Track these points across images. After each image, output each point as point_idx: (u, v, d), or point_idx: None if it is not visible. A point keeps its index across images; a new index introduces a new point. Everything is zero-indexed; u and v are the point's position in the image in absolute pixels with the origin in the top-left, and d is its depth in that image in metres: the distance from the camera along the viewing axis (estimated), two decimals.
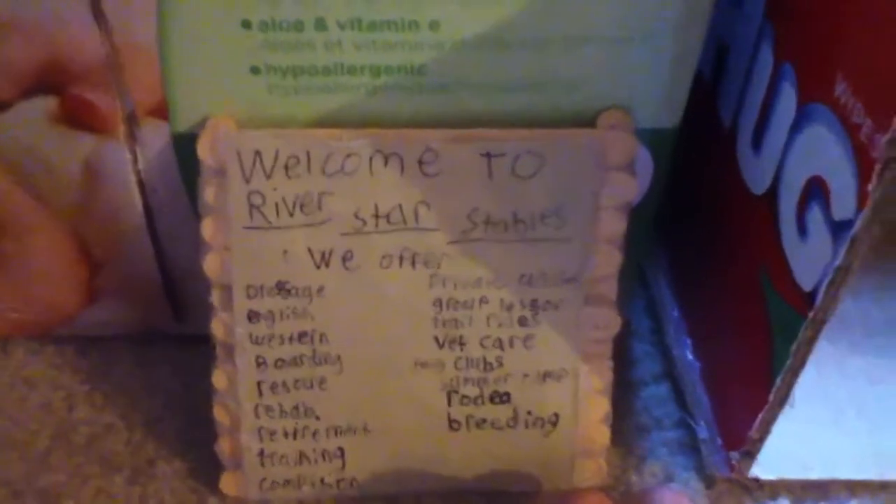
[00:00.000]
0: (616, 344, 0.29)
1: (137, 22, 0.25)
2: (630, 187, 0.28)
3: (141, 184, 0.29)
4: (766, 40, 0.27)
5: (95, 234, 0.31)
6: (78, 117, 0.27)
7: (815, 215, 0.23)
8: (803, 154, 0.24)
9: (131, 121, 0.27)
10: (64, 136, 0.27)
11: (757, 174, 0.27)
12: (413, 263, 0.28)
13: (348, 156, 0.27)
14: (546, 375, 0.29)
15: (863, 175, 0.20)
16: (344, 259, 0.28)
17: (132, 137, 0.28)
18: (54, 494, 0.31)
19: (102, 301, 0.33)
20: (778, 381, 0.25)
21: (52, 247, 0.31)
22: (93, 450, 0.32)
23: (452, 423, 0.29)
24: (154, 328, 0.34)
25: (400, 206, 0.28)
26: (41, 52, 0.25)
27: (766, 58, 0.27)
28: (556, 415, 0.29)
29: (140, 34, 0.25)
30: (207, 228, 0.28)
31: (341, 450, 0.30)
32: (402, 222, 0.28)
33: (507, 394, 0.29)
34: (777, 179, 0.26)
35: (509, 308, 0.28)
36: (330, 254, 0.28)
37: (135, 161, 0.29)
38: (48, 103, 0.27)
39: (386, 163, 0.27)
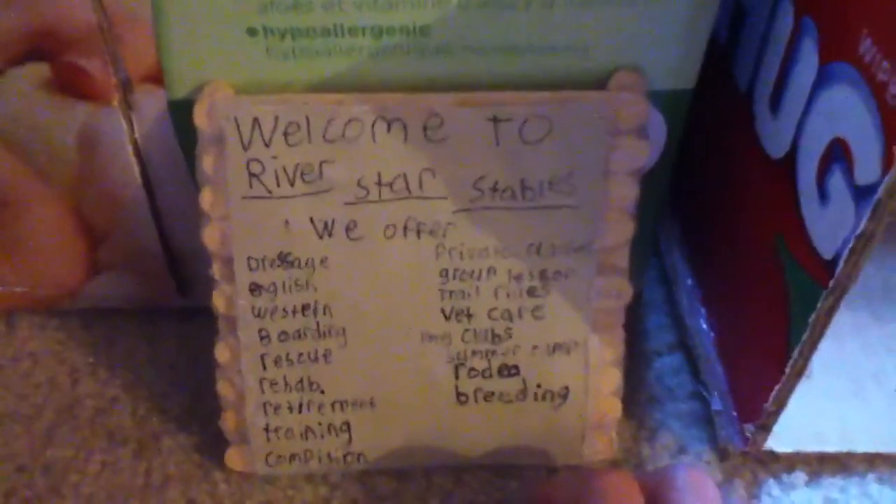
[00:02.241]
0: (628, 314, 0.28)
1: None
2: (642, 152, 0.27)
3: (138, 153, 0.28)
4: None
5: (94, 205, 0.30)
6: (71, 85, 0.26)
7: (836, 180, 0.22)
8: (825, 115, 0.23)
9: (126, 88, 0.27)
10: (58, 104, 0.27)
11: (775, 138, 0.26)
12: (418, 233, 0.27)
13: (350, 121, 0.26)
14: (556, 347, 0.28)
15: (889, 137, 0.19)
16: (347, 229, 0.27)
17: (127, 105, 0.27)
18: (59, 469, 0.30)
19: (105, 274, 0.33)
20: (795, 353, 0.24)
21: (51, 219, 0.30)
22: (98, 424, 0.32)
23: (460, 397, 0.29)
24: (157, 301, 0.34)
25: (404, 173, 0.27)
26: (31, 19, 0.24)
27: (786, 15, 0.25)
28: (567, 387, 0.28)
29: (132, 2, 0.24)
30: (206, 199, 0.27)
31: (347, 424, 0.29)
32: (406, 190, 0.27)
33: (516, 366, 0.28)
34: (796, 143, 0.24)
35: (518, 278, 0.27)
36: (333, 224, 0.27)
37: (131, 129, 0.28)
38: (40, 70, 0.26)
39: (389, 129, 0.26)
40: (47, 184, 0.29)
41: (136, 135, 0.28)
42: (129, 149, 0.28)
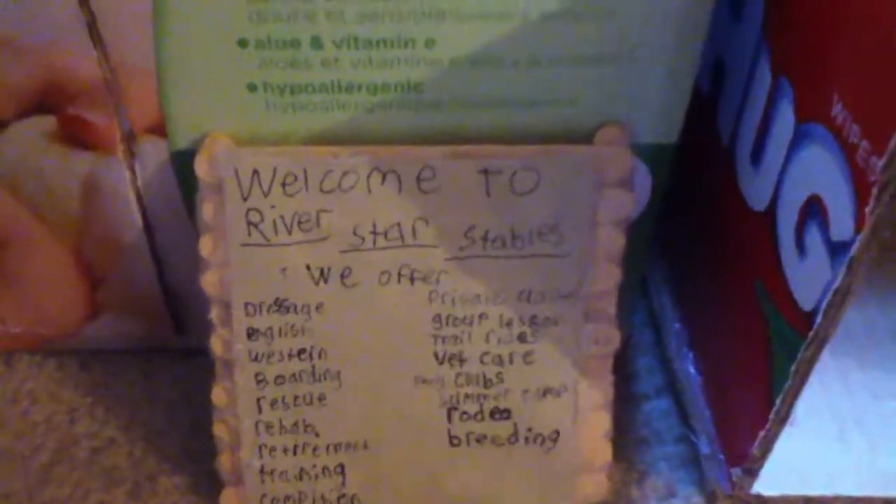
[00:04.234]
0: (617, 356, 0.29)
1: (134, 42, 0.25)
2: (628, 203, 0.28)
3: (140, 200, 0.29)
4: (764, 56, 0.27)
5: (95, 249, 0.31)
6: (76, 136, 0.27)
7: (813, 235, 0.23)
8: (802, 173, 0.24)
9: (129, 139, 0.27)
10: (62, 154, 0.28)
11: (756, 190, 0.27)
12: (412, 280, 0.28)
13: (346, 173, 0.27)
14: (546, 391, 0.29)
15: (860, 197, 0.20)
16: (342, 276, 0.28)
17: (131, 155, 0.28)
18: None
19: (104, 315, 0.33)
20: (778, 400, 0.25)
21: (52, 262, 0.31)
22: (95, 464, 0.32)
23: (453, 440, 0.29)
24: (156, 342, 0.34)
25: (398, 223, 0.28)
26: (39, 73, 0.25)
27: (764, 74, 0.26)
28: (557, 431, 0.29)
29: (137, 54, 0.25)
30: (206, 245, 0.28)
31: (342, 466, 0.30)
32: (400, 239, 0.28)
33: (508, 410, 0.29)
34: (776, 197, 0.25)
35: (509, 324, 0.28)
36: (328, 271, 0.28)
37: (134, 178, 0.29)
38: (46, 122, 0.27)
39: (384, 180, 0.27)
40: (49, 227, 0.30)
41: (139, 182, 0.29)
42: (132, 196, 0.29)
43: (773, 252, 0.25)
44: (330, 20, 0.24)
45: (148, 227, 0.30)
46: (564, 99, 0.27)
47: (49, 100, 0.26)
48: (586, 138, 0.27)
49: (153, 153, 0.28)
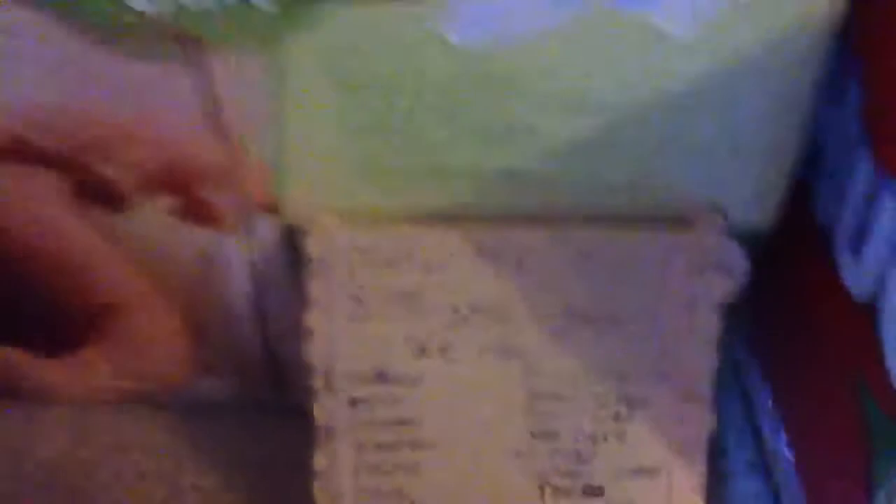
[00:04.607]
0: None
1: (253, 130, 0.27)
2: (724, 286, 0.28)
3: (252, 273, 0.31)
4: (864, 143, 0.27)
5: (205, 315, 0.33)
6: (198, 216, 0.29)
7: None
8: None
9: (246, 218, 0.29)
10: (184, 230, 0.29)
11: (856, 280, 0.27)
12: (508, 357, 0.29)
13: (447, 252, 0.28)
14: (639, 471, 0.29)
15: None
16: (442, 350, 0.29)
17: (246, 232, 0.30)
18: None
19: (207, 374, 0.35)
20: (879, 499, 0.24)
21: (164, 325, 0.33)
22: None
23: None
24: (258, 400, 0.36)
25: (496, 300, 0.29)
26: (168, 157, 0.27)
27: (864, 161, 0.27)
28: None
29: (256, 141, 0.27)
30: (312, 318, 0.29)
31: None
32: (497, 316, 0.29)
33: (601, 487, 0.29)
34: (878, 288, 0.25)
35: (603, 402, 0.29)
36: (428, 345, 0.29)
37: (247, 253, 0.30)
38: (172, 202, 0.29)
39: (484, 259, 0.28)
40: (165, 293, 0.32)
41: (253, 256, 0.30)
42: (246, 269, 0.31)
43: (875, 344, 0.25)
44: (436, 111, 0.26)
45: (256, 297, 0.32)
46: (664, 184, 0.27)
47: (175, 181, 0.28)
48: (685, 221, 0.28)
49: (264, 231, 0.30)
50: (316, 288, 0.29)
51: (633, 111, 0.26)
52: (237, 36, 0.24)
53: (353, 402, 0.30)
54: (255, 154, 0.27)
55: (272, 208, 0.29)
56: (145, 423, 0.37)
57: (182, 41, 0.24)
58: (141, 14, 0.23)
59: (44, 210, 0.29)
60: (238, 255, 0.30)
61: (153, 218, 0.29)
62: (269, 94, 0.25)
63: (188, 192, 0.28)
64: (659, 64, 0.25)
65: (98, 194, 0.29)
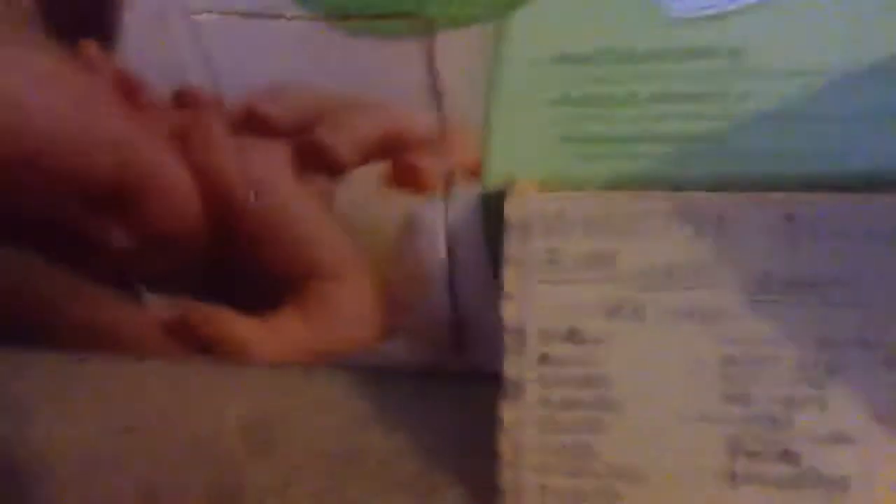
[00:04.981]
0: None
1: (467, 102, 0.28)
2: None
3: (449, 237, 0.33)
4: None
5: (400, 279, 0.35)
6: (406, 180, 0.31)
7: None
8: None
9: (448, 182, 0.31)
10: (390, 195, 0.31)
11: None
12: (703, 320, 0.29)
13: (644, 216, 0.29)
14: (838, 438, 0.29)
15: None
16: (634, 312, 0.30)
17: (446, 198, 0.31)
18: None
19: (396, 337, 0.37)
20: None
21: (360, 290, 0.35)
22: (383, 473, 0.36)
23: (734, 479, 0.30)
24: (438, 363, 0.38)
25: (693, 265, 0.29)
26: (381, 126, 0.29)
27: None
28: (847, 478, 0.29)
29: (468, 111, 0.29)
30: (508, 279, 0.31)
31: (618, 495, 0.31)
32: (694, 280, 0.29)
33: (796, 453, 0.29)
34: None
35: (801, 368, 0.29)
36: (620, 307, 0.30)
37: (446, 219, 0.32)
38: (381, 168, 0.31)
39: (682, 223, 0.29)
40: (367, 258, 0.34)
41: (448, 221, 0.32)
42: (442, 234, 0.32)
43: None
44: (647, 80, 0.26)
45: (451, 262, 0.33)
46: (868, 151, 0.27)
47: (387, 149, 0.30)
48: (892, 187, 0.27)
49: (462, 196, 0.31)
50: (512, 249, 0.30)
51: (848, 77, 0.26)
52: (462, 14, 0.26)
53: (544, 359, 0.31)
54: (464, 121, 0.29)
55: (475, 173, 0.31)
56: (332, 384, 0.40)
57: (410, 18, 0.26)
58: None
59: (268, 176, 0.32)
60: (438, 220, 0.32)
61: (363, 184, 0.31)
62: (483, 65, 0.27)
63: (400, 158, 0.30)
64: (877, 28, 0.25)
65: (317, 161, 0.31)
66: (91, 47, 0.29)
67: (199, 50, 0.29)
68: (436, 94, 0.28)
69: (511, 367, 0.31)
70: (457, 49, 0.26)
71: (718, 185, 0.28)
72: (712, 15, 0.24)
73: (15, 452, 0.38)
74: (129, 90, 0.31)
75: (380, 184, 0.31)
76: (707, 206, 0.28)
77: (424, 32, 0.26)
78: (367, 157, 0.30)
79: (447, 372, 0.38)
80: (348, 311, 0.36)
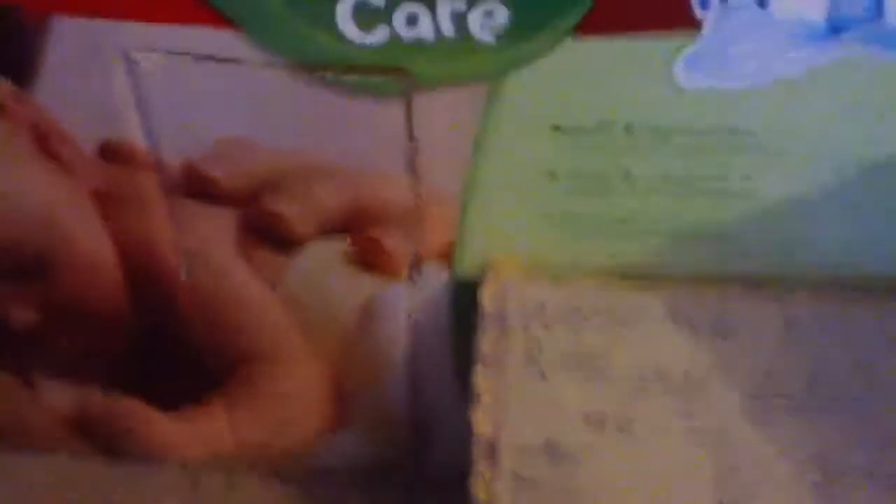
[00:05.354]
0: None
1: (446, 173, 0.25)
2: None
3: (412, 327, 0.28)
4: None
5: (353, 368, 0.30)
6: (368, 259, 0.27)
7: None
8: None
9: (415, 265, 0.27)
10: (349, 275, 0.27)
11: None
12: (696, 432, 0.26)
13: (635, 311, 0.26)
14: None
15: None
16: (620, 422, 0.26)
17: (412, 281, 0.27)
18: None
19: (344, 431, 0.32)
20: None
21: (307, 377, 0.31)
22: None
23: None
24: (389, 464, 0.33)
25: (687, 367, 0.26)
26: (348, 197, 0.26)
27: None
28: None
29: (446, 183, 0.25)
30: (480, 377, 0.27)
31: None
32: (687, 385, 0.26)
33: None
34: None
35: (800, 484, 0.25)
36: (605, 414, 0.26)
37: (411, 305, 0.28)
38: (339, 244, 0.27)
39: (676, 320, 0.25)
40: (315, 343, 0.30)
41: (415, 309, 0.28)
42: (404, 322, 0.28)
43: None
44: (646, 157, 0.24)
45: (413, 354, 0.29)
46: (883, 250, 0.25)
47: (350, 223, 0.26)
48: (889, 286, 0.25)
49: (431, 281, 0.28)
50: (487, 343, 0.26)
51: (861, 166, 0.24)
52: (451, 72, 0.22)
53: (518, 480, 0.27)
54: (439, 196, 0.25)
55: (445, 256, 0.27)
56: (261, 493, 0.34)
57: (392, 75, 0.23)
58: (354, 47, 0.22)
59: (206, 248, 0.27)
60: (401, 306, 0.28)
61: (319, 261, 0.27)
62: (470, 133, 0.24)
63: (364, 234, 0.26)
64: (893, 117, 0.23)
65: (268, 232, 0.27)
66: (3, 89, 0.25)
67: (136, 96, 0.24)
68: (415, 162, 0.24)
69: (479, 486, 0.27)
70: (439, 111, 0.23)
71: (712, 277, 0.25)
72: (723, 91, 0.22)
73: None
74: (44, 140, 0.26)
75: (338, 260, 0.27)
76: (705, 305, 0.25)
77: (403, 91, 0.23)
78: (326, 230, 0.26)
79: (399, 475, 0.33)
80: (288, 398, 0.31)
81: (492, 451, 0.27)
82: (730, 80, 0.22)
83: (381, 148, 0.24)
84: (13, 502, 0.33)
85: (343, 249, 0.27)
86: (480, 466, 0.27)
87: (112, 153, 0.26)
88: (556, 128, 0.23)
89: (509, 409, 0.26)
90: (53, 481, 0.34)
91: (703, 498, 0.26)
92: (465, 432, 0.29)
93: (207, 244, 0.27)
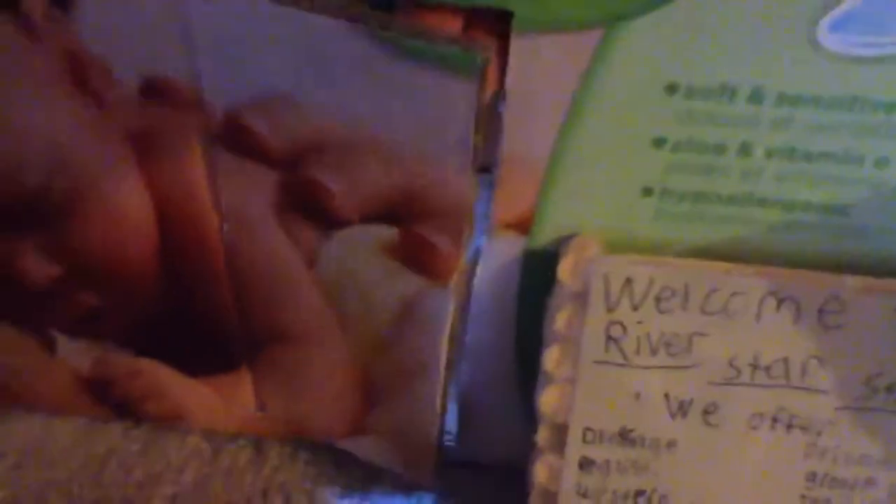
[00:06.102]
0: None
1: (533, 135, 0.22)
2: None
3: (453, 335, 0.26)
4: None
5: (386, 371, 0.27)
6: (414, 256, 0.24)
7: None
8: None
9: (465, 268, 0.24)
10: (392, 269, 0.25)
11: None
12: (788, 427, 0.24)
13: (734, 294, 0.23)
14: None
15: None
16: (705, 412, 0.24)
17: (461, 287, 0.25)
18: None
19: (366, 435, 0.30)
20: None
21: (338, 371, 0.28)
22: None
23: None
24: (410, 475, 0.30)
25: (786, 358, 0.24)
26: (402, 182, 0.23)
27: None
28: None
29: (531, 148, 0.22)
30: (552, 357, 0.24)
31: None
32: (784, 378, 0.24)
33: None
34: None
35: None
36: (690, 404, 0.24)
37: (456, 311, 0.25)
38: (387, 233, 0.24)
39: (779, 307, 0.23)
40: (349, 336, 0.27)
41: (459, 306, 0.25)
42: (447, 330, 0.25)
43: None
44: (772, 128, 0.21)
45: (448, 364, 0.26)
46: None
47: (399, 212, 0.23)
48: None
49: (500, 252, 0.25)
50: (562, 322, 0.24)
51: None
52: (558, 16, 0.20)
53: (585, 464, 0.25)
54: (525, 160, 0.22)
55: (520, 227, 0.24)
56: (288, 463, 0.32)
57: (470, 46, 0.20)
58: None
59: (245, 209, 0.24)
60: (444, 312, 0.25)
61: (360, 246, 0.24)
62: (568, 91, 0.21)
63: (413, 228, 0.23)
64: None
65: (307, 204, 0.24)
66: (37, 10, 0.22)
67: (187, 31, 0.21)
68: (491, 133, 0.21)
69: (542, 471, 0.25)
70: (537, 66, 0.20)
71: (823, 265, 0.23)
72: (872, 59, 0.19)
73: None
74: (79, 71, 0.23)
75: (381, 251, 0.24)
76: (810, 291, 0.23)
77: (480, 64, 0.20)
78: (369, 214, 0.23)
79: (416, 485, 0.31)
80: (317, 388, 0.28)
81: (558, 433, 0.25)
82: (883, 46, 0.19)
83: (447, 131, 0.21)
84: (30, 465, 0.31)
85: (388, 240, 0.24)
86: (544, 449, 0.25)
87: (153, 91, 0.23)
88: (671, 87, 0.21)
89: (582, 391, 0.24)
90: (70, 445, 0.32)
91: (791, 496, 0.24)
92: (516, 415, 0.27)
93: (246, 205, 0.24)
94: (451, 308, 0.25)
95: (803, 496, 0.24)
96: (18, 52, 0.23)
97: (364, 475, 0.31)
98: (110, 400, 0.31)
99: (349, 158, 0.23)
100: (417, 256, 0.24)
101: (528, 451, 0.26)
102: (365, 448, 0.30)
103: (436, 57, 0.20)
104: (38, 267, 0.27)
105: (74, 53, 0.23)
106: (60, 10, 0.22)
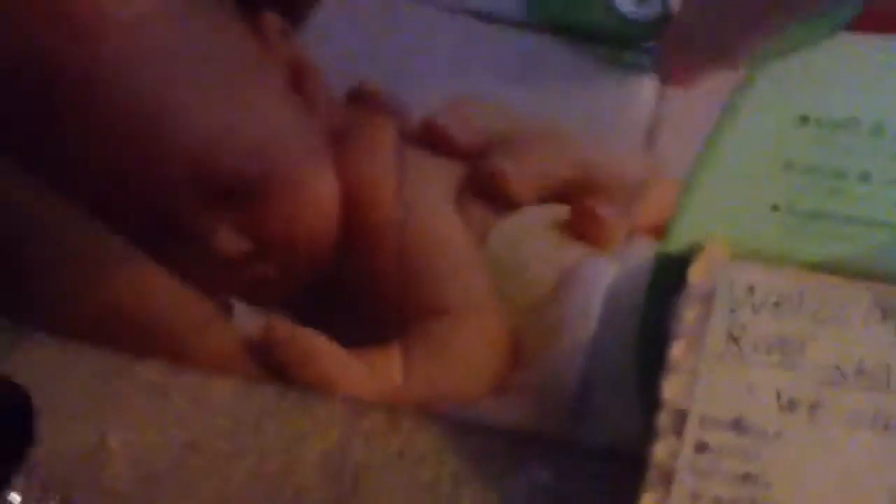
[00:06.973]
0: None
1: (679, 150, 0.26)
2: None
3: (607, 299, 0.29)
4: None
5: (534, 334, 0.31)
6: (582, 228, 0.28)
7: None
8: None
9: (627, 240, 0.28)
10: (555, 244, 0.28)
11: None
12: (886, 429, 0.27)
13: (843, 304, 0.27)
14: None
15: None
16: (811, 408, 0.27)
17: (620, 256, 0.28)
18: None
19: (506, 394, 0.34)
20: None
21: (486, 337, 0.32)
22: None
23: None
24: (546, 432, 0.34)
25: (888, 365, 0.27)
26: (575, 164, 0.27)
27: None
28: None
29: (675, 161, 0.26)
30: (678, 350, 0.28)
31: None
32: (885, 384, 0.27)
33: None
34: None
35: None
36: (797, 400, 0.27)
37: (608, 277, 0.29)
38: (556, 212, 0.28)
39: (884, 317, 0.26)
40: (504, 303, 0.31)
41: (616, 281, 0.29)
42: (600, 296, 0.29)
43: None
44: (890, 158, 0.24)
45: (602, 327, 0.30)
46: None
47: (572, 193, 0.27)
48: None
49: (635, 254, 0.29)
50: (689, 318, 0.28)
51: None
52: None
53: (700, 448, 0.28)
54: (668, 172, 0.26)
55: (656, 232, 0.28)
56: (422, 433, 0.36)
57: (651, 50, 0.24)
58: (625, 19, 0.23)
59: (426, 199, 0.29)
60: (603, 279, 0.29)
61: (531, 224, 0.28)
62: (713, 114, 0.25)
63: (582, 203, 0.27)
64: None
65: (486, 189, 0.28)
66: (274, 24, 0.27)
67: (397, 45, 0.26)
68: (653, 138, 0.25)
69: (662, 451, 0.28)
70: (691, 91, 0.24)
71: None
72: None
73: (61, 458, 0.33)
74: (298, 76, 0.28)
75: (547, 226, 0.28)
76: None
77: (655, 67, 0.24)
78: (545, 197, 0.27)
79: (549, 441, 0.35)
80: (465, 354, 0.32)
81: (679, 418, 0.28)
82: None
83: (622, 123, 0.25)
84: (189, 418, 0.36)
85: (557, 217, 0.28)
86: (664, 432, 0.28)
87: (359, 98, 0.28)
88: (804, 118, 0.24)
89: (703, 382, 0.28)
90: (226, 402, 0.36)
91: (886, 493, 0.27)
92: (632, 405, 0.30)
93: (427, 191, 0.29)
94: (610, 274, 0.28)
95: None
96: (252, 58, 0.28)
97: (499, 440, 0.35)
98: (270, 363, 0.36)
99: (529, 148, 0.27)
100: (586, 226, 0.28)
101: (635, 437, 0.29)
102: (499, 410, 0.33)
103: (620, 60, 0.24)
104: (232, 241, 0.31)
105: (297, 63, 0.28)
106: (291, 26, 0.27)
